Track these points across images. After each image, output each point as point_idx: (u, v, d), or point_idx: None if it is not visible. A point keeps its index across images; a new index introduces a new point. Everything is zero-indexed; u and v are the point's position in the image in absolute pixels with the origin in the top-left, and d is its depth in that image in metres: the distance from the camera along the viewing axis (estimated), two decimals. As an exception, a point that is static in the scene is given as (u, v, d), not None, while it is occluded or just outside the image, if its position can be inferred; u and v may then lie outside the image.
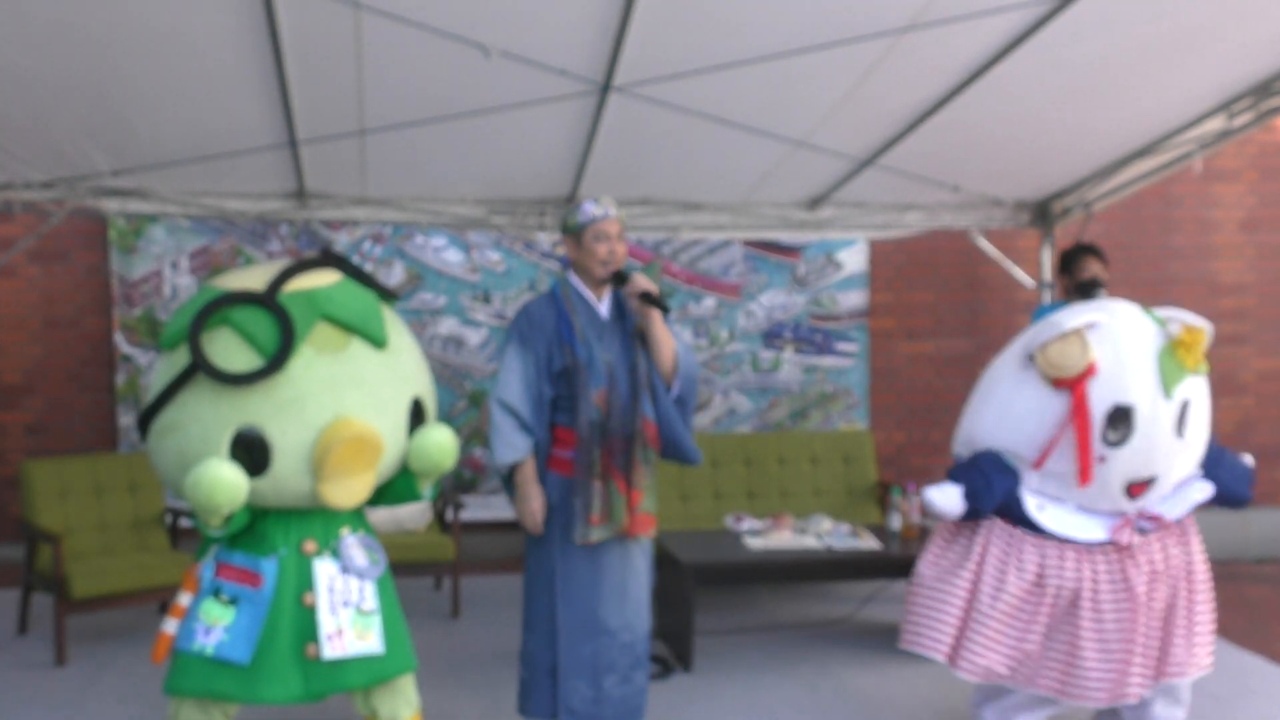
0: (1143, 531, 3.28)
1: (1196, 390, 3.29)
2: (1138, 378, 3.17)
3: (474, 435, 6.14)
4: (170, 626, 2.86)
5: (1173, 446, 3.24)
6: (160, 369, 2.89)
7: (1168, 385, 3.18)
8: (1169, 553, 3.32)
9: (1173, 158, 4.79)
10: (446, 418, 6.08)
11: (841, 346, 6.43)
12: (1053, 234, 5.58)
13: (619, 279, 3.28)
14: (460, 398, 6.12)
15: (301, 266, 2.89)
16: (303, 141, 4.21)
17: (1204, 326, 3.25)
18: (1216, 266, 6.57)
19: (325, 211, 4.96)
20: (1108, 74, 3.94)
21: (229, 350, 2.73)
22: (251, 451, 2.73)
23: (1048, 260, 5.64)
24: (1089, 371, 3.14)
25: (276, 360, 2.70)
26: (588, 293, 3.36)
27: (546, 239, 5.85)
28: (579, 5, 3.26)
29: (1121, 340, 3.20)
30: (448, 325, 6.10)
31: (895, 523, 4.83)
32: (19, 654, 4.48)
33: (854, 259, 6.41)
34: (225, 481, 2.64)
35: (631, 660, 3.35)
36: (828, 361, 6.42)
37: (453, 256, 6.11)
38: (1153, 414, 3.17)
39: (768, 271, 6.35)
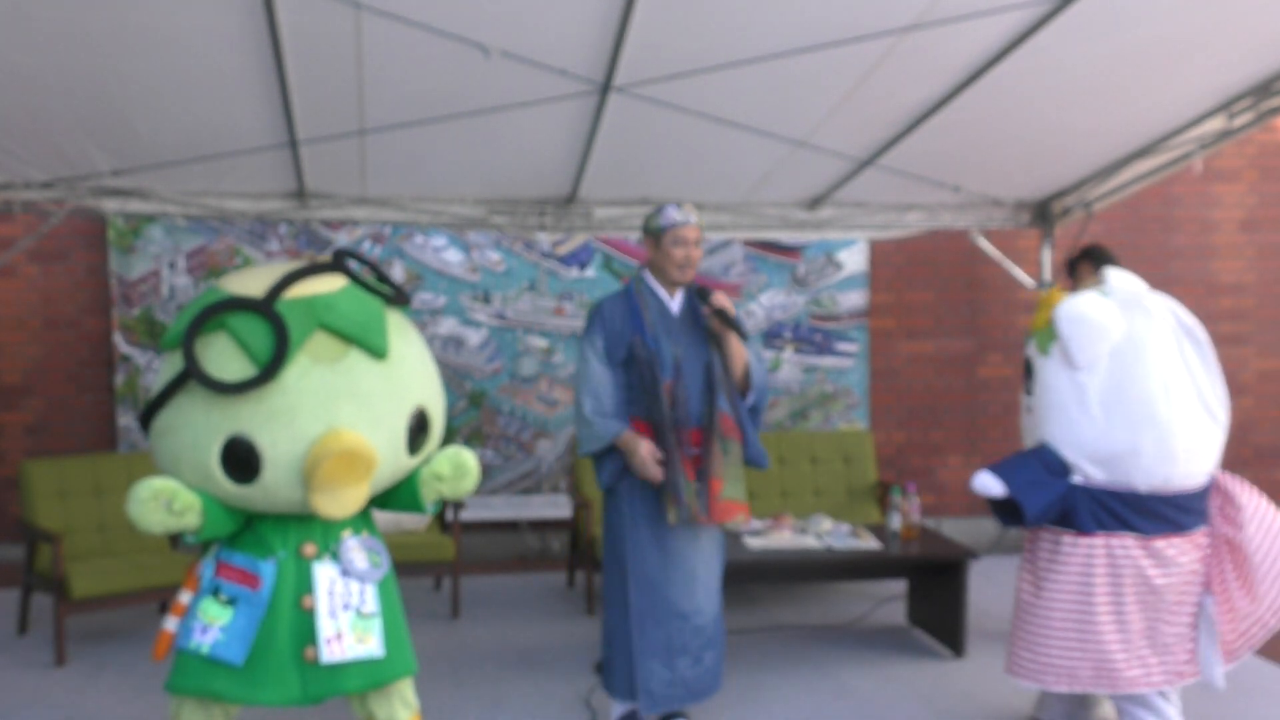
0: None
1: (1034, 360, 3.45)
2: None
3: (474, 435, 6.14)
4: (171, 624, 2.86)
5: (1021, 398, 3.56)
6: (162, 369, 2.89)
7: (1028, 334, 3.53)
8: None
9: (1173, 158, 4.79)
10: (447, 418, 6.06)
11: (841, 346, 6.43)
12: (1053, 234, 5.58)
13: (702, 295, 3.48)
14: (460, 398, 6.11)
15: (308, 271, 2.87)
16: (302, 141, 4.21)
17: (1057, 295, 3.38)
18: (1216, 266, 6.57)
19: (325, 211, 4.96)
20: (1108, 74, 3.94)
21: (224, 357, 2.72)
22: (242, 459, 2.73)
23: (1048, 260, 5.64)
24: None
25: (268, 371, 2.68)
26: (661, 290, 3.53)
27: (546, 239, 5.86)
28: (579, 5, 3.26)
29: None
30: (448, 325, 6.10)
31: (895, 523, 4.83)
32: (19, 654, 4.48)
33: (854, 259, 6.41)
34: (152, 508, 2.69)
35: (702, 642, 3.48)
36: (828, 361, 6.42)
37: (453, 256, 6.11)
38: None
39: (768, 271, 6.34)
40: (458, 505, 5.12)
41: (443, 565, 5.02)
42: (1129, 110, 4.34)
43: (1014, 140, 4.60)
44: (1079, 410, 3.25)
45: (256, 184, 4.75)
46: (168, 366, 2.85)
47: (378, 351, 2.86)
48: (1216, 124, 4.46)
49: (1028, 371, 3.46)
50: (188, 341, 2.69)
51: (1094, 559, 3.28)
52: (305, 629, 2.83)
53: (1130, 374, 3.22)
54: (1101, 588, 3.27)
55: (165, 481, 2.72)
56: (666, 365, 3.43)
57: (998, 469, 3.32)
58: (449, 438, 6.09)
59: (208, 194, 4.79)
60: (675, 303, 3.53)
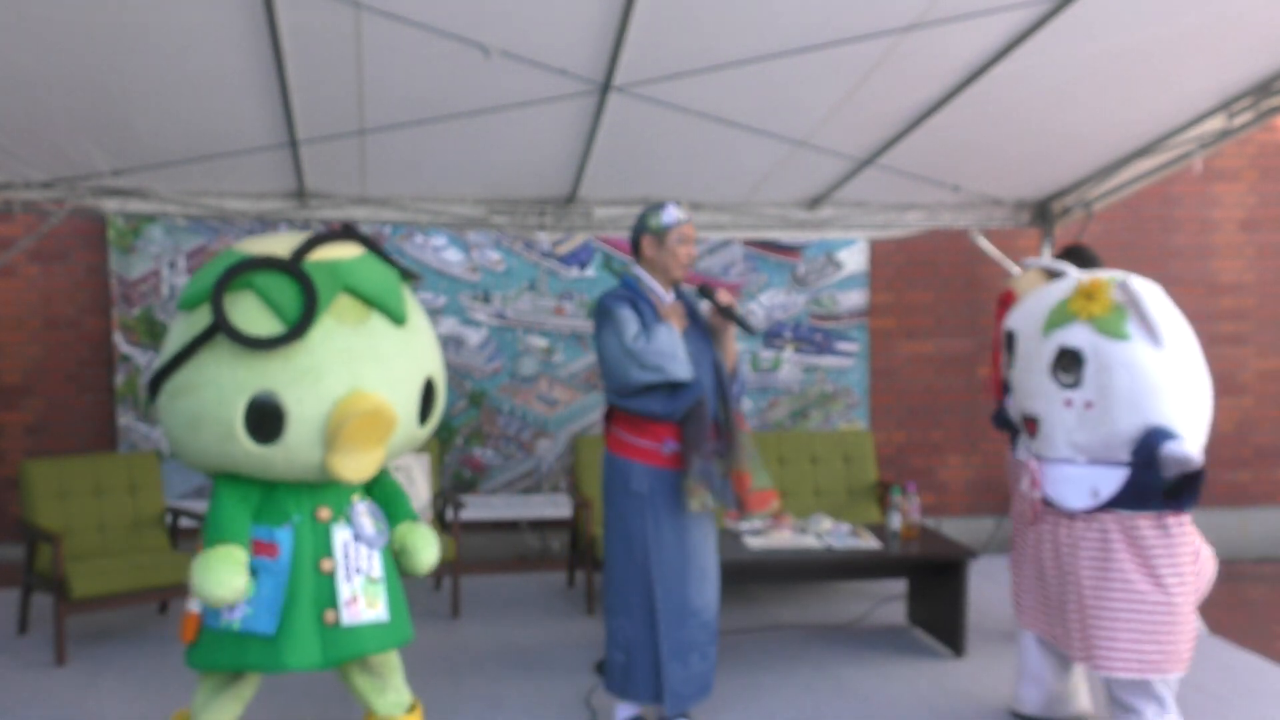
0: (1048, 504, 3.45)
1: (1096, 348, 3.30)
2: (1028, 312, 3.46)
3: (474, 435, 6.13)
4: (195, 606, 2.84)
5: (1048, 391, 3.38)
6: (177, 329, 2.84)
7: (1046, 325, 3.40)
8: (1066, 543, 3.41)
9: (1173, 157, 4.79)
10: (446, 418, 6.07)
11: (841, 346, 6.42)
12: (1053, 234, 5.58)
13: (705, 292, 3.51)
14: (460, 398, 6.11)
15: (326, 237, 2.91)
16: (302, 141, 4.21)
17: (1109, 280, 3.34)
18: (1216, 266, 6.56)
19: (325, 211, 4.96)
20: (1108, 74, 3.94)
21: (250, 314, 2.74)
22: (266, 418, 2.74)
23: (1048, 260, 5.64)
24: (1006, 296, 3.50)
25: (299, 327, 2.71)
26: (657, 288, 3.51)
27: (546, 239, 5.85)
28: (579, 5, 3.26)
29: (1052, 285, 3.47)
30: (448, 325, 6.10)
31: (895, 522, 4.82)
32: (19, 654, 4.48)
33: (854, 259, 6.41)
34: (233, 586, 2.73)
35: (707, 636, 3.51)
36: (828, 361, 6.42)
37: (453, 256, 6.10)
38: (1029, 348, 3.43)
39: (768, 271, 6.34)
40: (458, 505, 5.12)
41: (443, 565, 5.01)
42: (1129, 110, 4.34)
43: (1014, 140, 4.60)
44: (1181, 385, 3.23)
45: (256, 184, 4.76)
46: (184, 325, 2.81)
47: (398, 317, 2.93)
48: (1216, 124, 4.46)
49: (1070, 364, 3.34)
50: (217, 296, 2.68)
51: (1194, 537, 3.33)
52: (324, 592, 2.87)
53: (1194, 349, 3.32)
54: (1193, 565, 3.33)
55: (228, 548, 2.76)
56: (703, 364, 3.44)
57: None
58: (449, 437, 6.09)
59: (208, 194, 4.79)
60: (670, 300, 3.54)
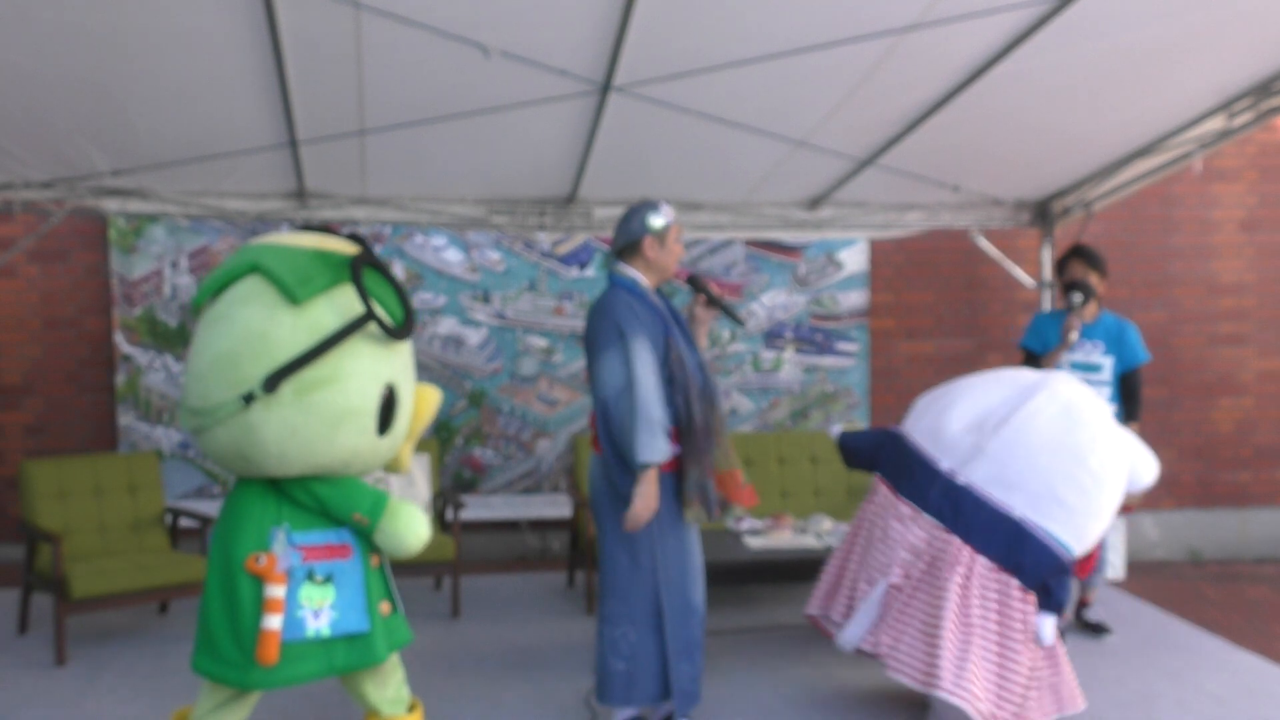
0: None
1: None
2: None
3: (474, 435, 6.13)
4: (274, 622, 2.77)
5: None
6: (289, 324, 2.69)
7: None
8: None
9: (1173, 157, 4.80)
10: (446, 418, 6.07)
11: (842, 346, 6.43)
12: (1053, 234, 5.58)
13: (695, 283, 3.53)
14: (460, 397, 6.11)
15: (360, 241, 2.98)
16: (303, 141, 4.22)
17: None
18: (1216, 266, 6.56)
19: (325, 211, 4.96)
20: (1108, 74, 3.94)
21: (358, 308, 2.81)
22: (386, 409, 2.82)
23: (1048, 260, 5.64)
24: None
25: (410, 321, 2.82)
26: (649, 288, 3.48)
27: (546, 239, 5.86)
28: (579, 5, 3.26)
29: None
30: (447, 325, 6.10)
31: (895, 523, 4.82)
32: (19, 654, 4.48)
33: (854, 259, 6.41)
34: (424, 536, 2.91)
35: (703, 631, 3.55)
36: (828, 361, 6.42)
37: (452, 256, 6.11)
38: None
39: (769, 271, 6.34)
40: (458, 505, 5.12)
41: (443, 565, 5.02)
42: (1129, 110, 4.34)
43: (1014, 140, 4.60)
44: None
45: (256, 184, 4.76)
46: (304, 321, 2.69)
47: (413, 319, 3.12)
48: (1216, 124, 4.46)
49: None
50: (363, 289, 2.71)
51: None
52: (376, 586, 2.94)
53: None
54: None
55: (405, 506, 2.91)
56: (693, 366, 3.41)
57: None
58: (449, 437, 6.09)
59: (208, 194, 4.79)
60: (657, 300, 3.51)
